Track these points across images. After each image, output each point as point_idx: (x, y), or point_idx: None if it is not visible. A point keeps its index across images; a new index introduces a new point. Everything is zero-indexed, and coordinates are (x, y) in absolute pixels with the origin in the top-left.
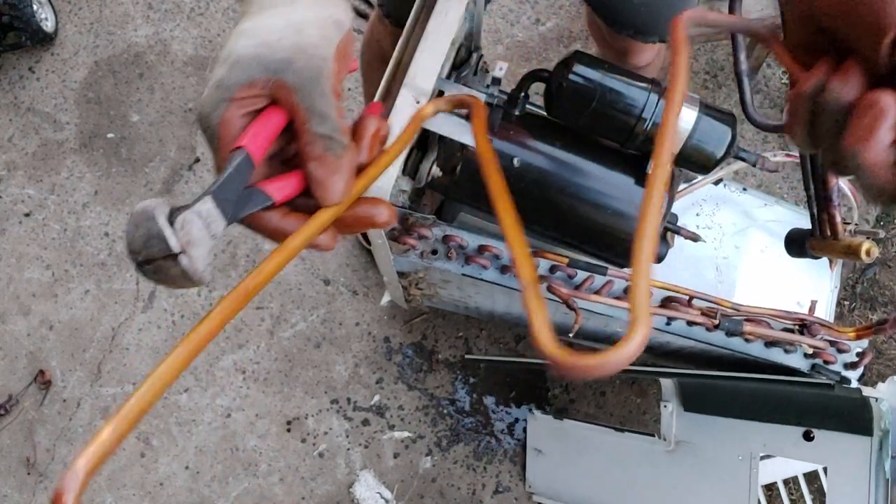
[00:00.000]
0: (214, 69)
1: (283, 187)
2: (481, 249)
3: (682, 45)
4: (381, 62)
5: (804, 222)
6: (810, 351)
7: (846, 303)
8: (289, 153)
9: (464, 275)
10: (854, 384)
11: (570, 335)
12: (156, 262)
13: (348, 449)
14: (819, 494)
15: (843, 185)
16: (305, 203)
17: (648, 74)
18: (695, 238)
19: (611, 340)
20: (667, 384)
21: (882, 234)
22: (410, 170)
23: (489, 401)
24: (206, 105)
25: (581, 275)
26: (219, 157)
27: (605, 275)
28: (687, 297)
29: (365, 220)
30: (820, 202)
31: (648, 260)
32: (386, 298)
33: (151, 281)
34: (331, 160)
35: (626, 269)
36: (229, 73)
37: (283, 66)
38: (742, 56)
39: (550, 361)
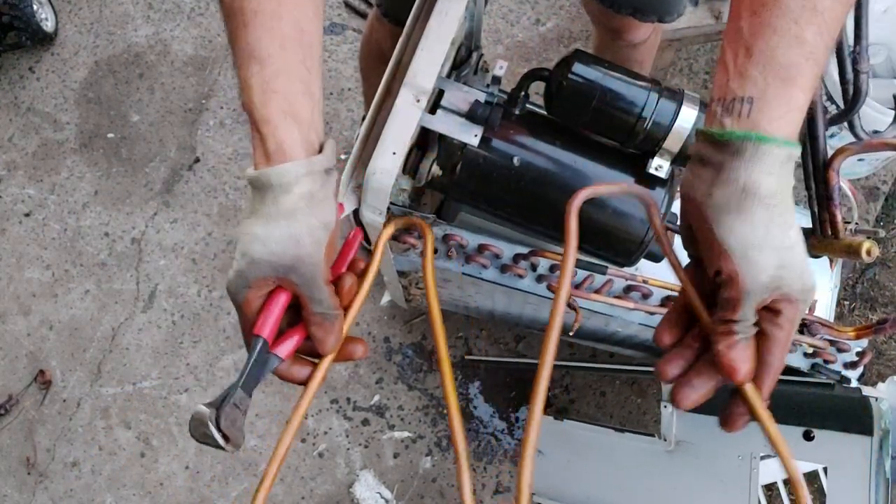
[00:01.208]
0: (236, 257)
1: (288, 347)
2: (481, 249)
3: (571, 227)
4: (380, 61)
5: (804, 222)
6: (810, 350)
7: (846, 302)
8: (295, 314)
9: (464, 274)
10: (854, 384)
11: (571, 334)
12: (209, 444)
13: (348, 449)
14: (819, 494)
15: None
16: (307, 346)
17: (644, 51)
18: None
19: (611, 340)
20: (667, 384)
21: (882, 233)
22: (410, 169)
23: (489, 401)
24: (232, 287)
25: (581, 274)
26: (243, 322)
27: (604, 274)
28: None
29: (347, 356)
30: (821, 201)
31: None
32: (386, 298)
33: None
34: (327, 326)
35: (625, 269)
36: (248, 269)
37: (288, 271)
38: None
39: None
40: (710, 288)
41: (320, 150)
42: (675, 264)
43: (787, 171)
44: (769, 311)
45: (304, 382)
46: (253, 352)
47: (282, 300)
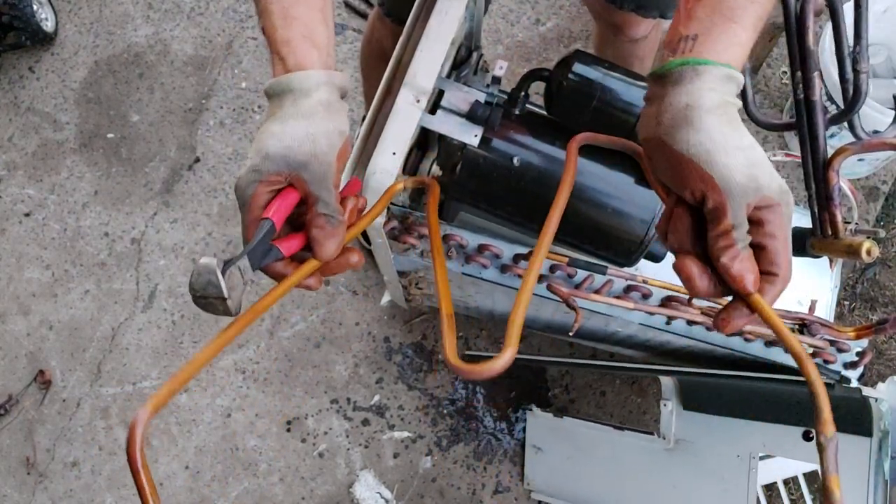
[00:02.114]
0: (250, 156)
1: (290, 245)
2: (481, 249)
3: (573, 159)
4: (381, 61)
5: (804, 222)
6: (810, 350)
7: (846, 303)
8: (297, 219)
9: (464, 274)
10: (854, 384)
11: (570, 334)
12: (209, 299)
13: (348, 449)
14: (819, 494)
15: (843, 184)
16: (303, 256)
17: (645, 48)
18: None
19: (611, 340)
20: (667, 383)
21: (882, 233)
22: (410, 169)
23: (489, 401)
24: (242, 182)
25: (581, 274)
26: (247, 218)
27: (604, 274)
28: (687, 297)
29: (344, 264)
30: (821, 201)
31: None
32: (386, 298)
33: (201, 309)
34: (329, 229)
35: (625, 269)
36: (262, 163)
37: (301, 167)
38: None
39: (452, 369)
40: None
41: None
42: (658, 190)
43: (730, 90)
44: (755, 225)
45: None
46: (260, 231)
47: (290, 198)
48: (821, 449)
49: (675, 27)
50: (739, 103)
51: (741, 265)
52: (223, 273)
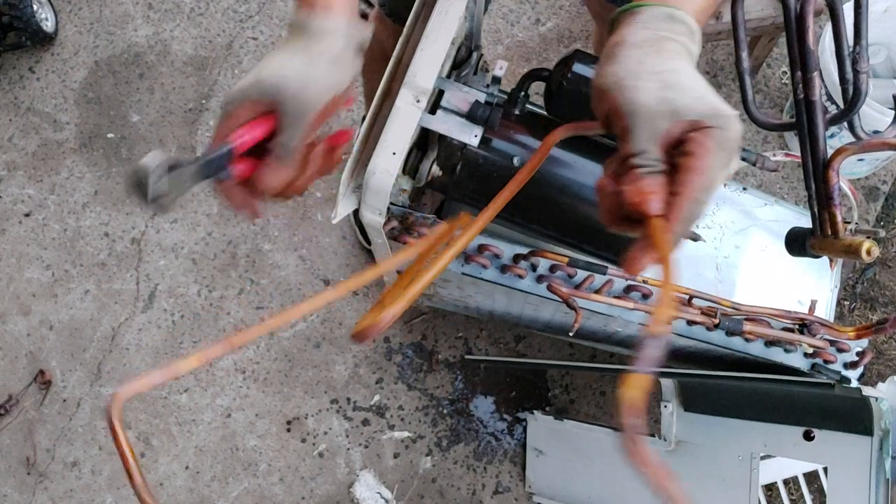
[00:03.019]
0: (248, 72)
1: (242, 169)
2: (481, 249)
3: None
4: (381, 61)
5: (804, 222)
6: (810, 350)
7: (846, 303)
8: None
9: (464, 274)
10: (854, 384)
11: (570, 334)
12: (139, 185)
13: (348, 449)
14: (819, 494)
15: (843, 184)
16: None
17: None
18: (695, 238)
19: (611, 340)
20: (667, 384)
21: (882, 233)
22: (410, 169)
23: (489, 401)
24: (228, 97)
25: (581, 274)
26: (219, 132)
27: (604, 274)
28: (687, 297)
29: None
30: (821, 201)
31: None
32: None
33: (127, 189)
34: (277, 166)
35: None
36: (251, 86)
37: (286, 98)
38: (744, 54)
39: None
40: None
41: None
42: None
43: (671, 28)
44: (677, 148)
45: (236, 208)
46: (220, 149)
47: (263, 126)
48: (640, 344)
49: None
50: (686, 42)
51: (635, 187)
52: (169, 170)
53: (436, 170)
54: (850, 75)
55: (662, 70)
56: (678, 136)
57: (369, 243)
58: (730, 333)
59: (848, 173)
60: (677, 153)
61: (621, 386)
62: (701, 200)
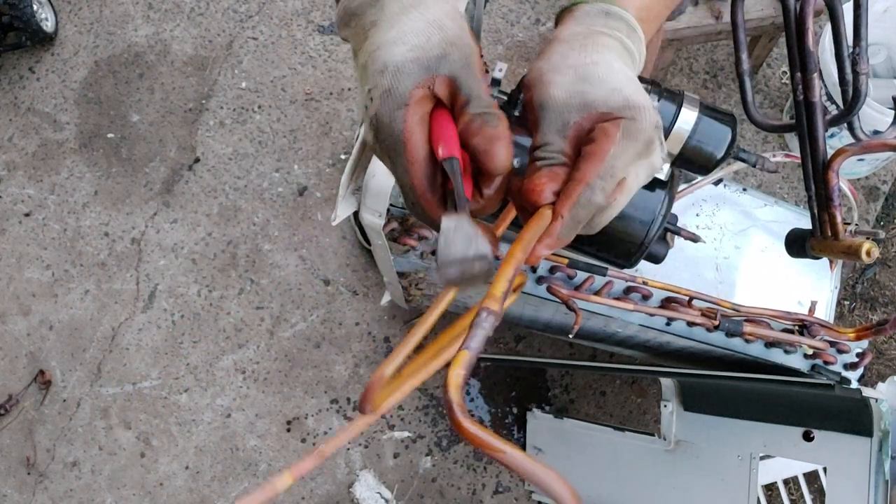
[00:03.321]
0: (374, 83)
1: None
2: None
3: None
4: None
5: (804, 222)
6: (810, 351)
7: (846, 303)
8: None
9: None
10: (854, 384)
11: (570, 335)
12: (476, 277)
13: (348, 449)
14: (819, 494)
15: (843, 185)
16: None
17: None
18: (695, 239)
19: (611, 340)
20: (667, 384)
21: (882, 234)
22: None
23: (489, 400)
24: (384, 116)
25: (581, 275)
26: (411, 161)
27: (604, 275)
28: (687, 298)
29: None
30: (821, 202)
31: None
32: (386, 298)
33: (457, 283)
34: (490, 131)
35: (625, 271)
36: (397, 81)
37: (439, 62)
38: (744, 55)
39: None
40: None
41: None
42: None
43: (605, 24)
44: (586, 139)
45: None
46: (455, 174)
47: (447, 118)
48: (474, 321)
49: None
50: (622, 38)
51: (530, 181)
52: (462, 243)
53: None
54: (849, 76)
55: (582, 63)
56: (589, 128)
57: (369, 244)
58: (730, 335)
59: (848, 174)
60: (585, 142)
61: (450, 365)
62: (598, 187)
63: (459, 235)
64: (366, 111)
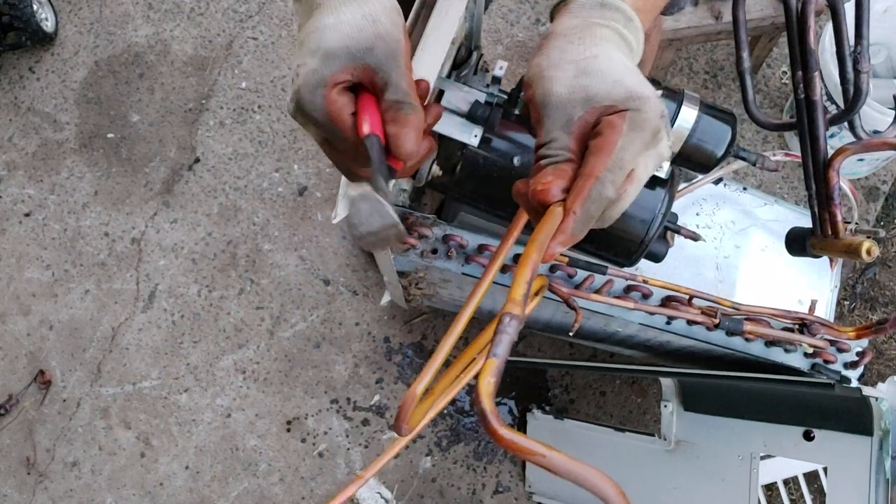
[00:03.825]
0: (304, 60)
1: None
2: (481, 249)
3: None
4: None
5: (804, 221)
6: (810, 350)
7: (846, 302)
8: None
9: (464, 274)
10: (854, 384)
11: (570, 334)
12: (380, 233)
13: (348, 449)
14: (819, 494)
15: (843, 184)
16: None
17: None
18: (695, 237)
19: (611, 340)
20: (667, 384)
21: (882, 233)
22: None
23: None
24: (305, 91)
25: (581, 274)
26: (334, 127)
27: (604, 274)
28: (687, 297)
29: (426, 153)
30: (821, 201)
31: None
32: (386, 298)
33: (368, 248)
34: (402, 118)
35: (625, 269)
36: (324, 63)
37: (366, 53)
38: (745, 54)
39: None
40: None
41: None
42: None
43: (601, 16)
44: (592, 133)
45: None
46: (373, 149)
47: (373, 104)
48: (497, 327)
49: None
50: (619, 28)
51: (538, 180)
52: (364, 205)
53: (436, 170)
54: (850, 75)
55: (582, 57)
56: (594, 122)
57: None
58: (730, 333)
59: (848, 173)
60: (591, 137)
61: (480, 373)
62: (608, 180)
63: (366, 206)
64: (292, 83)
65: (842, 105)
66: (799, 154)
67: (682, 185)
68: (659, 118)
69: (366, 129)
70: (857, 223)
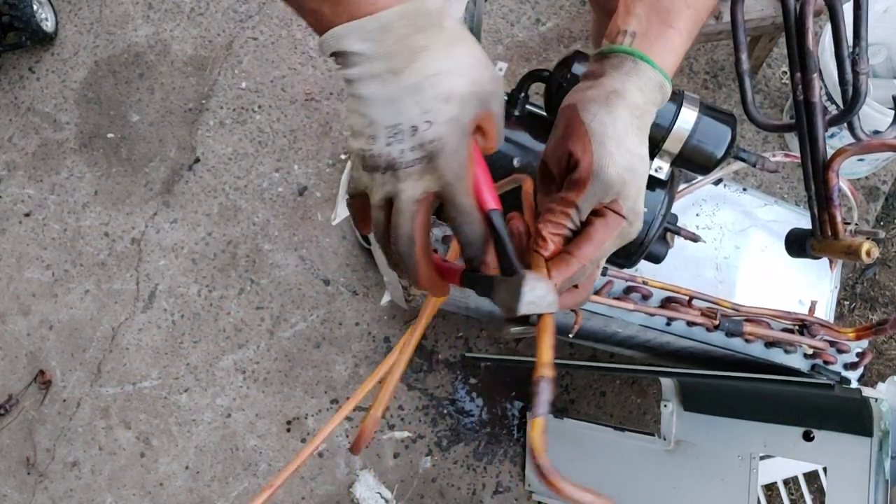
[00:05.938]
0: (432, 105)
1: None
2: None
3: None
4: None
5: (804, 222)
6: (810, 351)
7: (846, 303)
8: None
9: None
10: (854, 384)
11: (571, 335)
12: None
13: (348, 449)
14: (819, 494)
15: (843, 185)
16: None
17: None
18: (695, 238)
19: (611, 340)
20: (667, 384)
21: (882, 234)
22: None
23: (489, 400)
24: (450, 143)
25: None
26: (464, 187)
27: (604, 275)
28: (687, 298)
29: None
30: (821, 202)
31: None
32: (386, 298)
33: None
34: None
35: (625, 270)
36: (463, 111)
37: (490, 98)
38: (744, 55)
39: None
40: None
41: None
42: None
43: (655, 100)
44: (592, 217)
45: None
46: (501, 228)
47: (481, 158)
48: (535, 390)
49: (614, 20)
50: (653, 114)
51: (548, 230)
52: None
53: None
54: (849, 76)
55: (636, 152)
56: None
57: (369, 244)
58: (730, 334)
59: (848, 173)
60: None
61: (529, 430)
62: (588, 269)
63: (542, 288)
64: (414, 131)
65: (841, 105)
66: (798, 155)
67: (681, 186)
68: (636, 234)
69: (497, 201)
70: (856, 224)
